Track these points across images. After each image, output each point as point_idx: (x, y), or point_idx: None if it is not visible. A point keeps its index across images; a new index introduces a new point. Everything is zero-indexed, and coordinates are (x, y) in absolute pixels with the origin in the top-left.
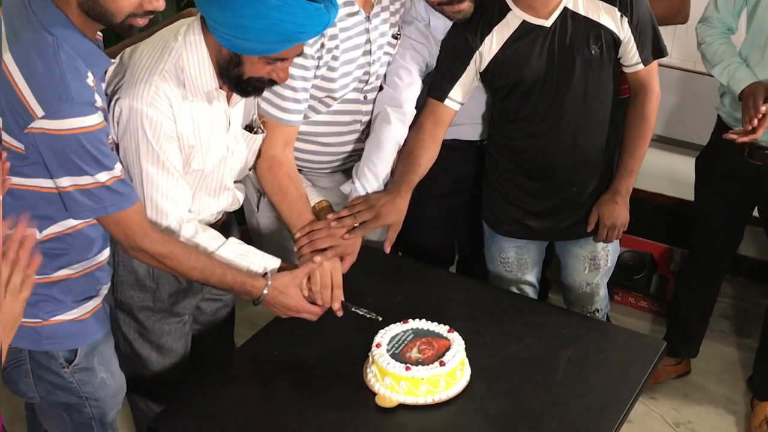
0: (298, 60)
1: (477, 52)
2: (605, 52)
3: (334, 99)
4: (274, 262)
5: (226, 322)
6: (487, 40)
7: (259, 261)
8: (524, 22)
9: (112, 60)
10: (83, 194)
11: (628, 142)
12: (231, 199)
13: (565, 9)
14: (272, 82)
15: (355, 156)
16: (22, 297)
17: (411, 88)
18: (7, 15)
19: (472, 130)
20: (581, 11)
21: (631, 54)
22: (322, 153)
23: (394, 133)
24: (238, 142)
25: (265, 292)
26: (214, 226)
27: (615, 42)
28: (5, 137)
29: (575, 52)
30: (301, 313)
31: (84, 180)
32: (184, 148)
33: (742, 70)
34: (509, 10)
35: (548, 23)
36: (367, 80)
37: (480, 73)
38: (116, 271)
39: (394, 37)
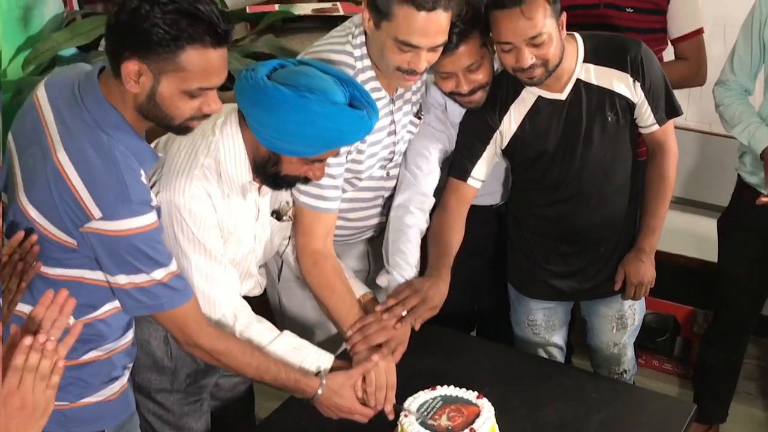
0: None
1: (497, 131)
2: (621, 117)
3: (360, 179)
4: (327, 360)
5: (245, 396)
6: (505, 119)
7: (312, 357)
8: (539, 97)
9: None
10: (140, 292)
11: (649, 201)
12: (254, 284)
13: (578, 81)
14: (307, 180)
15: (375, 228)
16: (53, 382)
17: (430, 177)
18: (56, 107)
19: (490, 198)
20: (594, 81)
21: (646, 116)
22: (345, 227)
23: (416, 222)
24: (265, 229)
25: (320, 392)
26: None
27: (630, 106)
28: (54, 231)
29: (592, 121)
30: (353, 414)
31: (140, 278)
32: (223, 235)
33: (762, 129)
34: (523, 87)
35: (563, 96)
36: (392, 158)
37: (501, 150)
38: None
39: (417, 116)
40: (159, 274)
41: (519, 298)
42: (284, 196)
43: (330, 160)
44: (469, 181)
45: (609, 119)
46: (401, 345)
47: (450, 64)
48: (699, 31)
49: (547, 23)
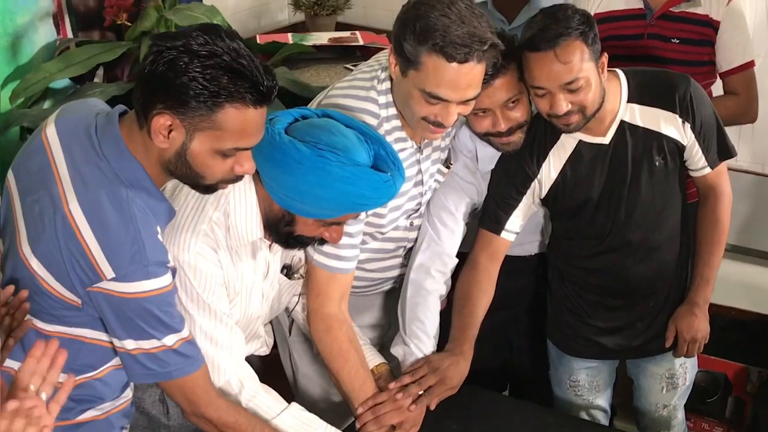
0: None
1: (535, 180)
2: (670, 160)
3: (383, 233)
4: None
5: None
6: (544, 166)
7: None
8: (581, 142)
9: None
10: (148, 358)
11: (701, 249)
12: (260, 344)
13: (622, 123)
14: (322, 241)
15: (396, 280)
16: None
17: (455, 235)
18: (69, 151)
19: (524, 249)
20: (639, 123)
21: (696, 158)
22: (363, 278)
23: (437, 287)
24: (274, 287)
25: None
26: None
27: (679, 149)
28: (58, 287)
29: (639, 165)
30: None
31: (150, 344)
32: (230, 294)
33: None
34: (562, 131)
35: (606, 140)
36: (417, 209)
37: (541, 199)
38: None
39: (446, 165)
40: (170, 340)
41: (560, 357)
42: (296, 250)
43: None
44: (503, 234)
45: (657, 164)
46: (415, 427)
47: (486, 98)
48: (750, 64)
49: (584, 67)
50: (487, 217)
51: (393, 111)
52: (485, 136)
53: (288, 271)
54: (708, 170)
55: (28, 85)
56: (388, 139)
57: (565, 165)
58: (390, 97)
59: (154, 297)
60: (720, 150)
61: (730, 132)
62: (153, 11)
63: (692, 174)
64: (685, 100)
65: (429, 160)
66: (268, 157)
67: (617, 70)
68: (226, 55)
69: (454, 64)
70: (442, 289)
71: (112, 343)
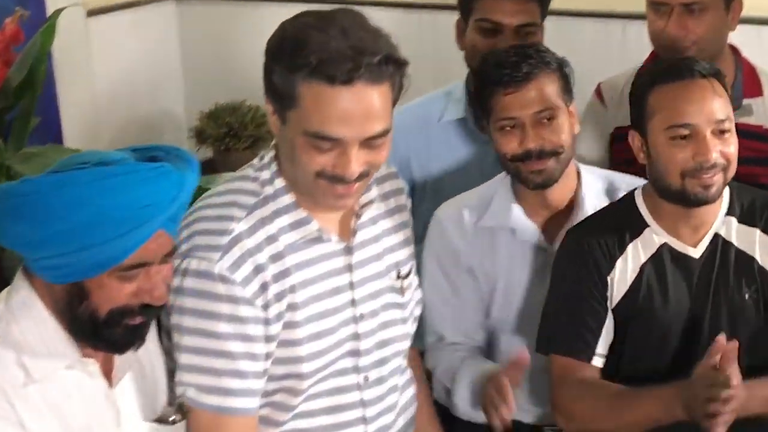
0: (225, 309)
1: (608, 278)
2: (761, 300)
3: (303, 378)
4: None
5: None
6: (619, 262)
7: None
8: (666, 246)
9: None
10: None
11: None
12: None
13: (716, 236)
14: (148, 309)
15: None
16: None
17: None
18: None
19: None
20: (734, 240)
21: None
22: None
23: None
24: None
25: None
26: None
27: None
28: None
29: (721, 295)
30: None
31: None
32: None
33: None
34: (646, 225)
35: (696, 254)
36: (358, 349)
37: (612, 310)
38: None
39: (401, 275)
40: None
41: None
42: (163, 386)
43: (221, 329)
44: (595, 360)
45: (746, 297)
46: None
47: (516, 104)
48: None
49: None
50: (563, 340)
51: (281, 184)
52: (513, 163)
53: (161, 419)
54: None
55: None
56: (282, 223)
57: (644, 266)
58: (274, 168)
59: None
60: None
61: None
62: None
63: None
64: None
65: (367, 270)
66: (7, 219)
67: None
68: None
69: (339, 88)
70: None
71: None
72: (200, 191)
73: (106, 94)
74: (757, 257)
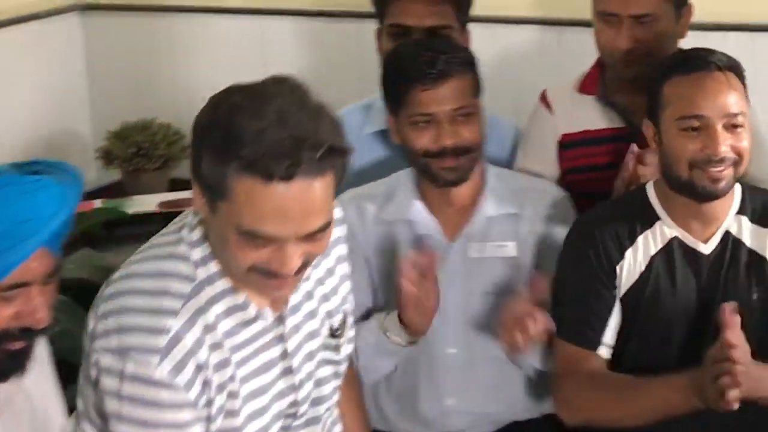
0: (168, 416)
1: (617, 267)
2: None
3: None
4: None
5: None
6: (629, 252)
7: None
8: (676, 239)
9: None
10: None
11: None
12: None
13: (727, 234)
14: (29, 333)
15: None
16: None
17: None
18: None
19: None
20: (746, 239)
21: None
22: None
23: None
24: None
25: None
26: None
27: None
28: None
29: (729, 293)
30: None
31: None
32: None
33: None
34: (658, 218)
35: (707, 250)
36: (295, 413)
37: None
38: None
39: (333, 333)
40: None
41: None
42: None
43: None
44: (601, 350)
45: (754, 296)
46: None
47: (434, 101)
48: None
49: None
50: (569, 327)
51: (215, 268)
52: (424, 159)
53: None
54: None
55: None
56: (218, 310)
57: (654, 257)
58: (207, 249)
59: None
60: None
61: None
62: None
63: None
64: None
65: (300, 333)
66: None
67: None
68: None
69: (276, 184)
70: None
71: None
72: (103, 212)
73: (4, 113)
74: None
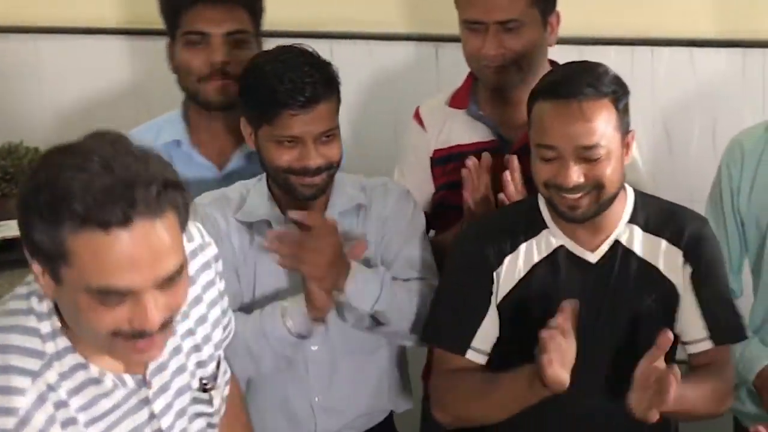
0: None
1: (494, 273)
2: (662, 307)
3: None
4: None
5: None
6: (508, 259)
7: None
8: (563, 248)
9: None
10: None
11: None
12: None
13: (617, 243)
14: None
15: None
16: None
17: None
18: None
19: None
20: (636, 249)
21: (691, 322)
22: None
23: None
24: None
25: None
26: None
27: (672, 297)
28: None
29: (622, 302)
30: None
31: None
32: None
33: (753, 345)
34: (545, 227)
35: (594, 258)
36: None
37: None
38: None
39: (202, 387)
40: None
41: None
42: None
43: None
44: (470, 354)
45: (645, 305)
46: None
47: (301, 124)
48: None
49: (610, 135)
50: (439, 330)
51: (64, 343)
52: (284, 174)
53: None
54: (708, 345)
55: None
56: (69, 386)
57: (536, 265)
58: (56, 322)
59: None
60: (730, 326)
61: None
62: None
63: (687, 348)
64: (694, 238)
65: (170, 392)
66: None
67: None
68: None
69: (116, 231)
70: None
71: None
72: None
73: None
74: (661, 266)
